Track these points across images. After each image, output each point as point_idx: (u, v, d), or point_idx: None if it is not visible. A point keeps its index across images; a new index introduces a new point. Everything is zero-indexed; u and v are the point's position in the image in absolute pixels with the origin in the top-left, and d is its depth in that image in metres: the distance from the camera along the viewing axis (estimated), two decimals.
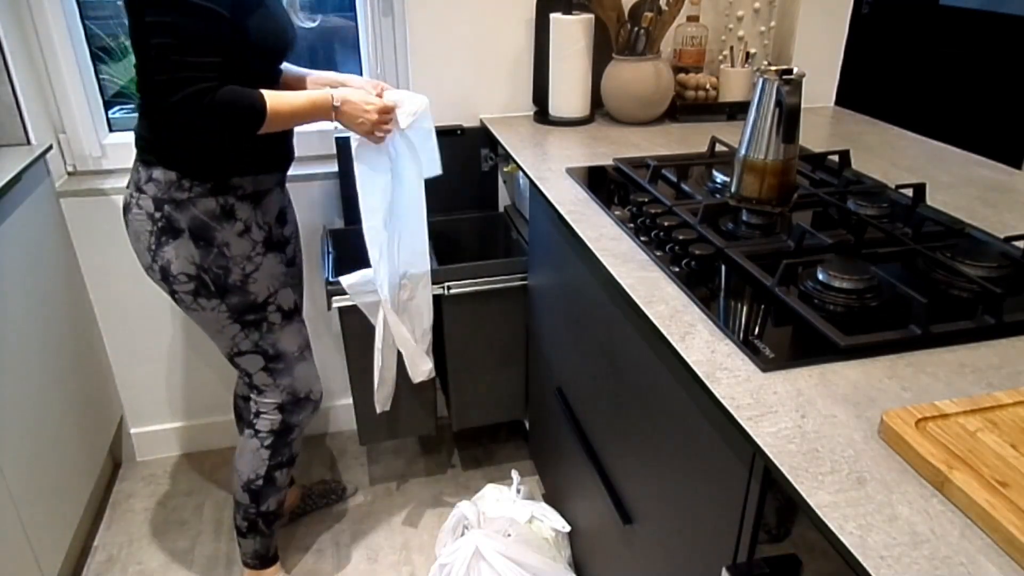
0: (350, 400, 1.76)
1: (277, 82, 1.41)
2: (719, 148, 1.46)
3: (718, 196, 1.27)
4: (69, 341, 1.72)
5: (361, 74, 1.89)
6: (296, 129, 1.38)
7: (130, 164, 1.81)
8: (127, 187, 1.35)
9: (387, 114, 1.36)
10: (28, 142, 1.64)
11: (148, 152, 1.30)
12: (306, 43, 1.92)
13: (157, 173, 1.29)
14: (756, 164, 1.13)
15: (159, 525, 1.86)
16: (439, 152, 1.46)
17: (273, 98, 1.25)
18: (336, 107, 1.31)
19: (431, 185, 1.49)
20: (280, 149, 1.40)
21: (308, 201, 1.88)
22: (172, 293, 1.36)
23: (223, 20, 1.17)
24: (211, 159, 1.29)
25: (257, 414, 1.49)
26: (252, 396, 1.48)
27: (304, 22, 1.50)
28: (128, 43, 1.91)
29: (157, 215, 1.30)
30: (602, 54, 1.77)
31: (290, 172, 1.47)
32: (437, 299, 1.64)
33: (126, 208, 1.35)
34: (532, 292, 1.65)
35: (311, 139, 1.86)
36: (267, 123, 1.25)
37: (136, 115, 1.48)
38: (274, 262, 1.40)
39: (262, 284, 1.38)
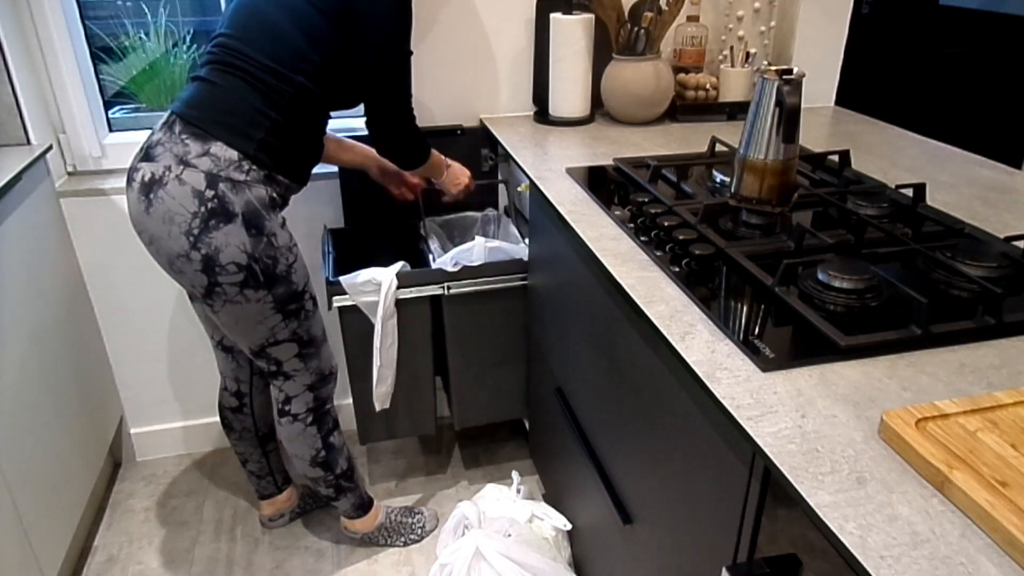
0: (350, 400, 1.75)
1: None
2: (719, 148, 1.46)
3: (718, 196, 1.27)
4: (69, 341, 1.72)
5: None
6: None
7: (129, 163, 1.78)
8: (152, 160, 1.25)
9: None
10: (28, 142, 1.64)
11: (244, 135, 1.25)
12: None
13: (216, 148, 1.24)
14: (756, 164, 1.13)
15: (159, 525, 1.87)
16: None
17: None
18: (448, 166, 1.63)
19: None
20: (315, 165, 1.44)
21: (308, 200, 1.88)
22: (212, 285, 1.28)
23: None
24: (305, 158, 1.37)
25: (287, 399, 1.50)
26: (276, 383, 1.49)
27: None
28: (128, 43, 1.90)
29: (209, 193, 1.22)
30: (602, 54, 1.77)
31: None
32: (437, 299, 1.64)
33: (156, 183, 1.23)
34: (532, 292, 1.65)
35: None
36: (425, 165, 1.51)
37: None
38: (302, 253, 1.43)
39: (300, 273, 1.39)
